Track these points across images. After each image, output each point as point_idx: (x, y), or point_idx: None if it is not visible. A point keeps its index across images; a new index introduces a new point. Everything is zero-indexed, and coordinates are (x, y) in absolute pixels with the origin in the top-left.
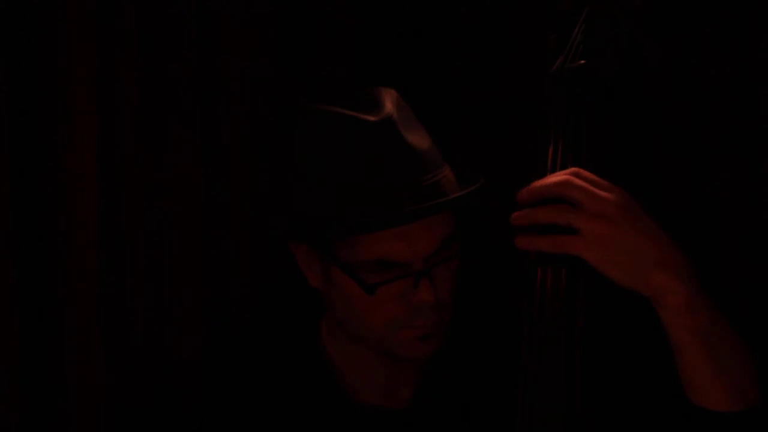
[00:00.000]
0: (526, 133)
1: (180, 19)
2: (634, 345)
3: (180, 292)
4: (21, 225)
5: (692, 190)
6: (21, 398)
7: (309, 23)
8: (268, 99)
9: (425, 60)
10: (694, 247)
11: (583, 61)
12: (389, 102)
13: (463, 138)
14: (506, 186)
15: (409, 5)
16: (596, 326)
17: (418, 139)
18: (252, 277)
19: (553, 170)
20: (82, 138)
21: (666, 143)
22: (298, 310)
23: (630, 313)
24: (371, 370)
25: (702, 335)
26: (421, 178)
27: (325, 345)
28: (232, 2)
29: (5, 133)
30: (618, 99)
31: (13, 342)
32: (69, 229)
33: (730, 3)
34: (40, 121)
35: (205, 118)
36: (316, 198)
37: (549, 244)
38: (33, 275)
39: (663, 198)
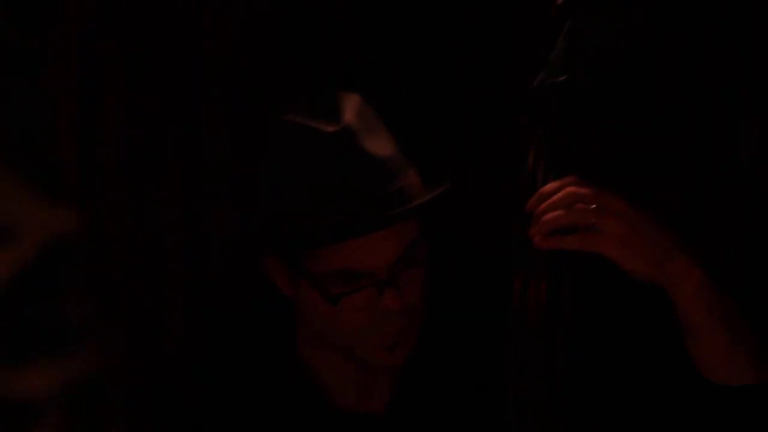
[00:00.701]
0: (509, 139)
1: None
2: (630, 342)
3: (160, 301)
4: None
5: (687, 192)
6: None
7: (309, 23)
8: (268, 99)
9: (425, 60)
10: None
11: (563, 77)
12: (349, 110)
13: (452, 137)
14: (480, 189)
15: (409, 5)
16: (587, 329)
17: (380, 146)
18: (229, 282)
19: (535, 183)
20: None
21: (659, 148)
22: (275, 314)
23: (622, 312)
24: (347, 376)
25: (718, 313)
26: (383, 186)
27: (302, 350)
28: (232, 2)
29: None
30: (602, 110)
31: None
32: None
33: (730, 3)
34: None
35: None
36: (279, 210)
37: (576, 243)
38: None
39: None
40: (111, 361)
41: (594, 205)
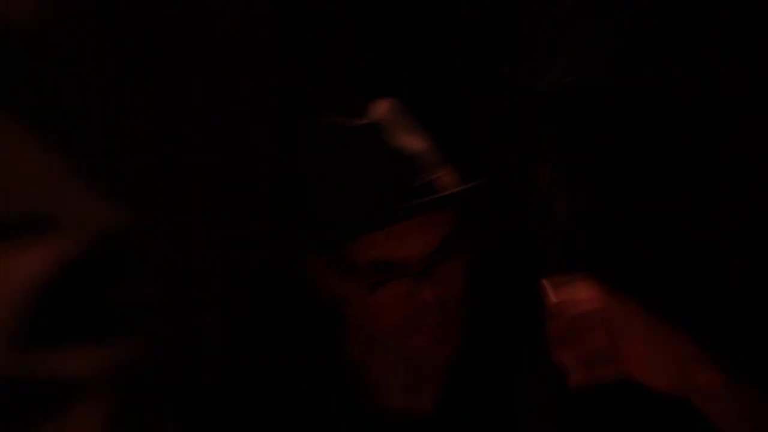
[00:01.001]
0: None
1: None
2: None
3: (201, 299)
4: None
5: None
6: None
7: (309, 23)
8: (266, 99)
9: (426, 60)
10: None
11: (570, 78)
12: (382, 107)
13: (466, 138)
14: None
15: (409, 5)
16: None
17: (413, 141)
18: (271, 280)
19: (543, 193)
20: None
21: (668, 151)
22: (322, 315)
23: None
24: (395, 376)
25: (746, 413)
26: (411, 178)
27: (351, 350)
28: (232, 2)
29: None
30: (610, 112)
31: None
32: None
33: (730, 3)
34: None
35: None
36: (313, 206)
37: (601, 376)
38: None
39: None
40: (155, 350)
41: (606, 328)
